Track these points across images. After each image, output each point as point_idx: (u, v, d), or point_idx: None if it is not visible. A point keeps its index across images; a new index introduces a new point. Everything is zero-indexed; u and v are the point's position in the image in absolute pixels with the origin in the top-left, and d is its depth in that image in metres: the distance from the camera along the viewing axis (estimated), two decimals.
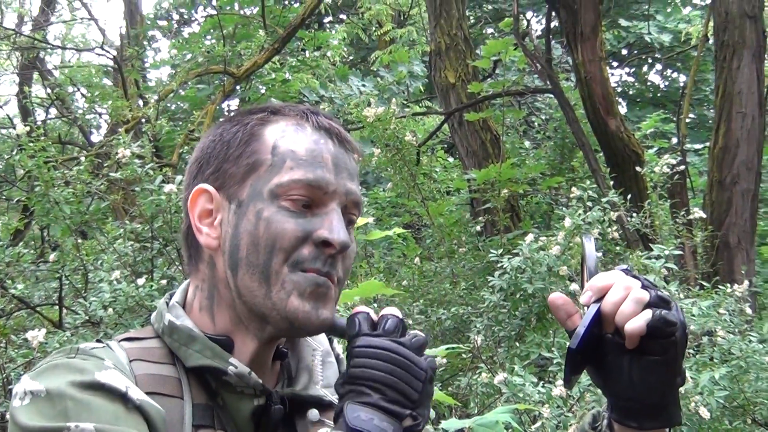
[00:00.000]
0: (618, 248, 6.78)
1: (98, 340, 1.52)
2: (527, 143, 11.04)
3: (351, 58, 15.81)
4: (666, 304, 1.36)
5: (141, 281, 5.24)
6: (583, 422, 1.58)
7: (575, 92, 9.24)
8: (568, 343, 1.40)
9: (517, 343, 5.70)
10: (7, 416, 1.38)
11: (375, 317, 1.47)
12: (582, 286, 1.50)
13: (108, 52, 11.67)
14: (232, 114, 1.62)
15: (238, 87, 11.30)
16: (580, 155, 9.45)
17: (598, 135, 8.20)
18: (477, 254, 8.13)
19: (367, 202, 7.57)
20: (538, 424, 4.29)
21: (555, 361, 4.47)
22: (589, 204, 5.97)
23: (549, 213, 9.82)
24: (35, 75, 13.61)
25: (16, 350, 5.31)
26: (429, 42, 10.55)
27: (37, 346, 4.69)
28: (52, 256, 6.27)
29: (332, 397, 1.58)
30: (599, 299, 1.39)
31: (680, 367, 1.41)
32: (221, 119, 1.64)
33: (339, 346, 1.74)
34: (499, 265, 5.73)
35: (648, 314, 1.34)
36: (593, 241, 1.53)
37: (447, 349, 3.80)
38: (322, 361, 1.66)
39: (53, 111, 13.77)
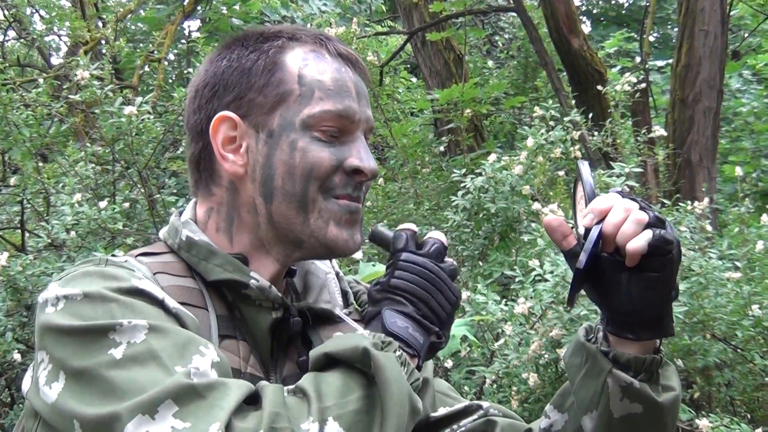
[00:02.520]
0: None
1: (112, 255, 1.55)
2: (490, 63, 11.01)
3: None
4: (662, 224, 1.44)
5: (103, 204, 5.21)
6: (577, 335, 1.64)
7: (538, 11, 9.20)
8: (575, 264, 1.47)
9: (480, 263, 5.73)
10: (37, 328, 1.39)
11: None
12: (575, 211, 1.61)
13: None
14: (239, 37, 1.64)
15: (198, 7, 11.14)
16: (543, 75, 9.44)
17: (561, 54, 8.19)
18: (440, 174, 8.13)
19: None
20: (501, 341, 4.34)
21: (517, 279, 4.50)
22: (552, 123, 5.97)
23: (512, 133, 9.83)
24: None
25: None
26: None
27: (0, 269, 4.68)
28: (12, 180, 6.20)
29: (340, 312, 1.67)
30: (600, 221, 1.46)
31: (675, 282, 1.49)
32: (226, 41, 1.65)
33: (336, 264, 1.82)
34: (462, 185, 5.73)
35: (648, 234, 1.41)
36: (588, 165, 1.60)
37: None
38: (326, 279, 1.74)
39: (11, 33, 13.52)
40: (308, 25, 11.43)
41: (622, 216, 1.44)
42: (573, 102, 7.27)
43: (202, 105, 1.60)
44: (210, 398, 1.24)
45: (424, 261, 1.49)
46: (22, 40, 12.12)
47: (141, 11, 12.18)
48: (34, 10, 12.74)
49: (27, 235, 6.23)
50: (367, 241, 1.80)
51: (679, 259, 1.47)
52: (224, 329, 1.51)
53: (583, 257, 1.45)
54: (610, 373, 1.54)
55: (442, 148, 8.43)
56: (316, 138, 1.54)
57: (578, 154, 5.97)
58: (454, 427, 1.77)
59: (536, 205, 5.05)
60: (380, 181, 8.14)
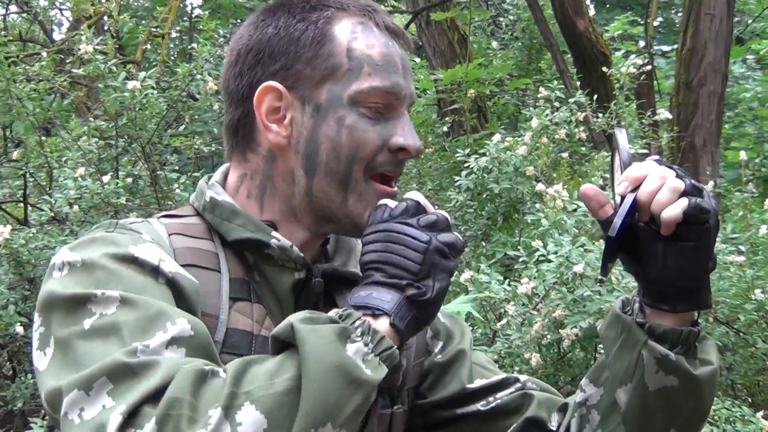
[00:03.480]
0: (584, 149, 6.81)
1: (127, 219, 1.55)
2: (495, 44, 10.97)
3: None
4: (699, 192, 1.40)
5: (106, 179, 5.20)
6: (613, 307, 1.60)
7: None
8: (608, 232, 1.44)
9: (483, 243, 5.73)
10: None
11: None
12: (612, 179, 1.56)
13: None
14: (284, 2, 1.60)
15: None
16: (547, 56, 9.43)
17: (566, 35, 8.17)
18: (443, 155, 8.11)
19: None
20: (504, 321, 4.34)
21: (521, 260, 4.50)
22: (557, 104, 5.96)
23: (516, 114, 9.80)
24: None
25: None
26: None
27: (3, 243, 4.67)
28: (15, 154, 6.19)
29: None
30: (635, 189, 1.43)
31: (712, 252, 1.45)
32: (270, 5, 1.62)
33: None
34: (465, 165, 5.72)
35: (684, 202, 1.37)
36: (626, 133, 1.56)
37: None
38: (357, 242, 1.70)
39: (12, 8, 13.47)
40: None
41: (657, 184, 1.40)
42: (578, 84, 7.27)
43: (245, 71, 1.57)
44: (142, 377, 1.21)
45: (378, 225, 1.43)
46: (24, 15, 12.10)
47: None
48: None
49: (30, 208, 6.23)
50: None
51: (716, 228, 1.44)
52: (237, 292, 1.50)
53: (616, 224, 1.41)
54: (645, 344, 1.49)
55: (445, 128, 8.41)
56: (363, 115, 1.52)
57: (583, 135, 5.97)
58: (490, 399, 1.73)
59: (540, 186, 5.04)
60: None
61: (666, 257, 1.43)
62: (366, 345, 1.27)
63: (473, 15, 9.72)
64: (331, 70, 1.53)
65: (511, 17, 11.96)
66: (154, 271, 1.37)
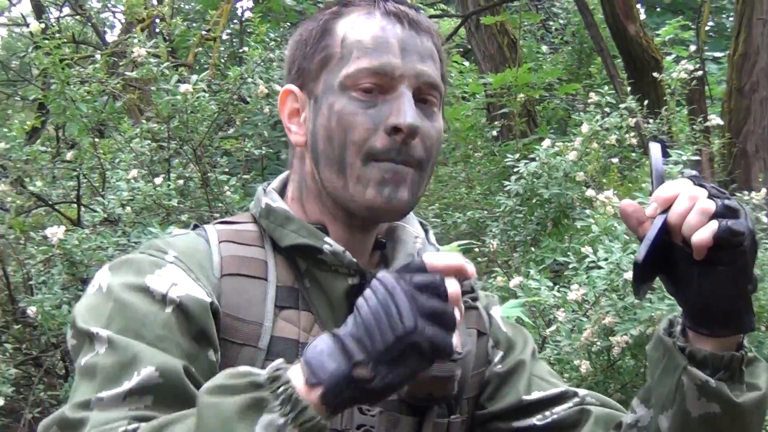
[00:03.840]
0: (634, 154, 6.76)
1: (195, 225, 1.64)
2: (544, 48, 10.93)
3: None
4: (734, 213, 1.34)
5: (158, 180, 5.25)
6: (659, 327, 1.55)
7: None
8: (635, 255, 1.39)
9: (533, 248, 5.71)
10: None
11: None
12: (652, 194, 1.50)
13: None
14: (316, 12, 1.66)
15: None
16: (597, 61, 9.37)
17: (617, 40, 8.12)
18: (492, 159, 8.11)
19: None
20: (553, 327, 4.32)
21: (570, 266, 4.48)
22: (607, 110, 5.93)
23: (565, 119, 9.76)
24: None
25: (35, 247, 5.34)
26: None
27: (57, 243, 4.72)
28: (69, 155, 6.26)
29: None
30: (665, 210, 1.37)
31: (751, 275, 1.40)
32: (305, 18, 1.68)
33: (432, 236, 1.74)
34: (515, 169, 5.71)
35: (713, 225, 1.31)
36: (659, 147, 1.49)
37: (459, 246, 3.82)
38: (422, 249, 1.66)
39: (66, 10, 13.62)
40: None
41: (686, 205, 1.34)
42: (628, 89, 7.22)
43: (285, 84, 1.65)
44: None
45: (391, 280, 1.24)
46: (77, 17, 12.23)
47: None
48: None
49: (83, 209, 6.29)
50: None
51: (754, 250, 1.37)
52: (283, 300, 1.51)
53: (641, 250, 1.36)
54: (684, 370, 1.44)
55: (494, 133, 8.40)
56: (354, 98, 1.51)
57: (633, 141, 5.93)
58: (547, 413, 1.69)
59: (590, 192, 5.01)
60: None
61: (701, 281, 1.38)
62: (284, 416, 1.18)
63: (523, 19, 9.70)
64: (325, 61, 1.56)
65: (561, 21, 11.91)
66: (162, 300, 1.40)
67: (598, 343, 4.08)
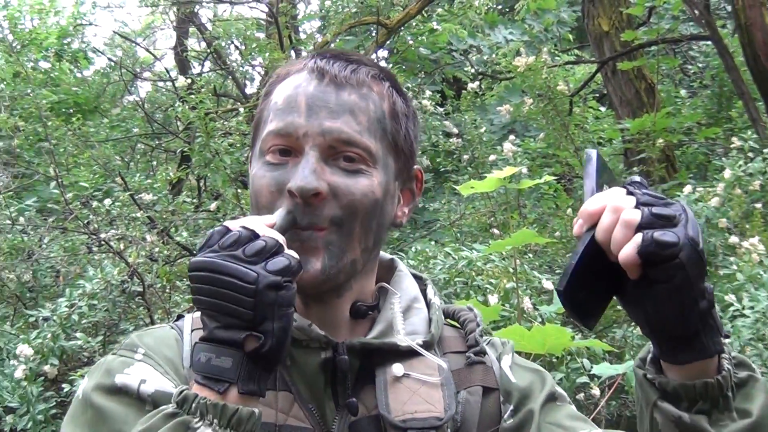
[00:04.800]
0: None
1: (179, 315, 1.59)
2: (683, 92, 10.78)
3: (499, 6, 15.66)
4: (665, 222, 1.19)
5: None
6: (639, 355, 1.39)
7: (734, 39, 8.96)
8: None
9: None
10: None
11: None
12: None
13: (261, 5, 11.87)
14: None
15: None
16: (738, 104, 9.18)
17: (759, 83, 7.94)
18: None
19: (519, 152, 7.52)
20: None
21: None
22: (750, 154, 5.83)
23: (705, 164, 9.59)
24: (191, 29, 13.95)
25: (180, 295, 5.50)
26: None
27: None
28: (212, 205, 6.45)
29: (412, 342, 1.50)
30: (593, 226, 1.23)
31: (700, 290, 1.21)
32: None
33: (432, 291, 1.66)
34: None
35: (637, 239, 1.18)
36: (597, 156, 1.34)
37: None
38: (408, 307, 1.58)
39: (208, 64, 14.07)
40: (493, 55, 11.48)
41: (610, 219, 1.21)
42: None
43: None
44: None
45: (202, 261, 1.23)
46: (217, 71, 12.60)
47: (332, 44, 12.51)
48: (230, 42, 13.24)
49: None
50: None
51: (698, 260, 1.18)
52: None
53: (564, 274, 1.21)
54: (655, 405, 1.30)
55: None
56: (266, 162, 1.46)
57: None
58: None
59: (733, 239, 4.93)
60: (568, 211, 8.09)
61: (644, 303, 1.23)
62: (211, 424, 1.19)
63: (661, 63, 9.58)
64: (257, 126, 1.54)
65: (700, 65, 11.74)
66: (138, 398, 1.38)
67: None
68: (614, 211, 1.21)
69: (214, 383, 1.21)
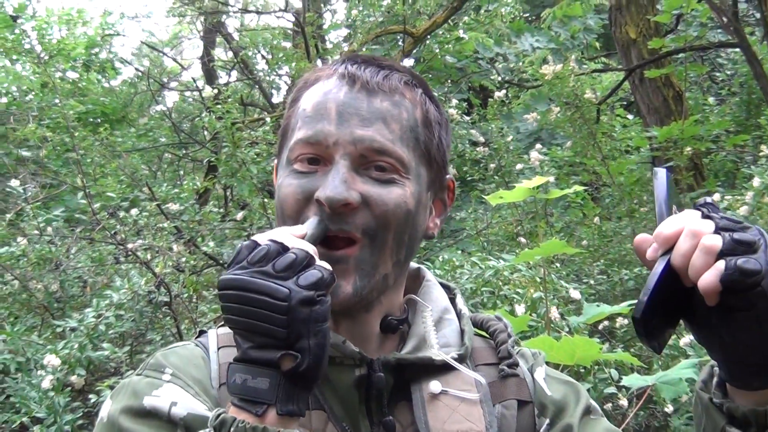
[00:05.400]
0: None
1: (201, 331, 1.55)
2: (711, 99, 10.71)
3: (525, 14, 15.63)
4: (747, 248, 1.13)
5: None
6: (698, 378, 1.36)
7: (763, 46, 8.90)
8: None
9: None
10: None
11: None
12: None
13: (289, 14, 11.91)
14: None
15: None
16: (766, 111, 9.12)
17: None
18: None
19: (546, 161, 7.49)
20: None
21: None
22: None
23: (734, 172, 9.51)
24: (218, 39, 14.02)
25: (207, 305, 5.50)
26: None
27: None
28: (239, 215, 6.46)
29: (447, 357, 1.47)
30: (669, 251, 1.18)
31: None
32: None
33: (461, 301, 1.62)
34: None
35: (720, 267, 1.12)
36: (666, 174, 1.30)
37: (630, 305, 3.74)
38: (439, 319, 1.54)
39: (234, 73, 14.12)
40: (520, 63, 11.45)
41: (689, 244, 1.15)
42: None
43: None
44: None
45: (231, 278, 1.19)
46: (244, 80, 12.64)
47: (358, 53, 12.52)
48: (257, 51, 13.28)
49: None
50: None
51: None
52: None
53: (640, 303, 1.16)
54: (722, 431, 1.26)
55: None
56: (294, 171, 1.42)
57: None
58: None
59: None
60: (596, 219, 8.04)
61: (721, 330, 1.18)
62: None
63: (689, 71, 9.52)
64: (285, 134, 1.50)
65: (728, 72, 11.67)
66: (169, 421, 1.33)
67: None
68: (693, 235, 1.16)
69: (251, 405, 1.18)
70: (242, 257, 1.21)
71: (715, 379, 1.31)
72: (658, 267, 1.17)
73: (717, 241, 1.13)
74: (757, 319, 1.14)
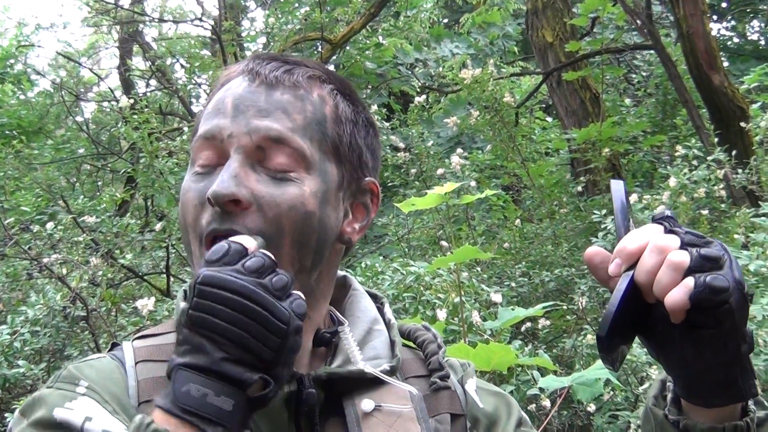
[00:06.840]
0: (723, 206, 6.65)
1: (114, 343, 1.42)
2: (628, 101, 10.86)
3: (444, 20, 15.71)
4: (714, 264, 1.11)
5: None
6: (648, 393, 1.33)
7: (677, 48, 9.04)
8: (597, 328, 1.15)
9: None
10: None
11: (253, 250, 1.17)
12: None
13: (206, 23, 11.83)
14: None
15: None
16: (682, 112, 9.26)
17: (702, 90, 8.01)
18: (579, 215, 8.04)
19: (467, 165, 7.53)
20: (646, 385, 4.24)
21: None
22: (695, 162, 5.86)
23: (651, 172, 9.66)
24: (135, 48, 13.88)
25: (126, 318, 5.42)
26: (526, 1, 10.41)
27: (147, 314, 4.79)
28: (158, 226, 6.38)
29: (377, 371, 1.37)
30: (632, 266, 1.15)
31: (743, 335, 1.14)
32: None
33: (389, 310, 1.54)
34: (602, 225, 5.66)
35: (689, 284, 1.08)
36: (622, 185, 1.26)
37: (544, 308, 3.76)
38: (369, 330, 1.46)
39: (153, 83, 13.96)
40: (440, 68, 11.50)
41: (655, 260, 1.11)
42: (715, 140, 7.11)
43: None
44: None
45: (233, 281, 1.09)
46: (163, 90, 12.51)
47: None
48: (175, 60, 13.16)
49: (172, 279, 6.38)
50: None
51: (744, 304, 1.12)
52: None
53: (605, 320, 1.12)
54: None
55: (579, 188, 8.35)
56: (195, 173, 1.34)
57: (722, 193, 5.84)
58: None
59: None
60: (517, 222, 8.10)
61: (684, 347, 1.15)
62: None
63: (605, 73, 9.65)
64: (192, 140, 1.41)
65: (644, 74, 11.84)
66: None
67: None
68: (659, 251, 1.12)
69: (205, 424, 1.07)
70: (232, 260, 1.13)
71: (669, 395, 1.28)
72: (622, 284, 1.14)
73: (685, 258, 1.11)
74: (722, 337, 1.12)
